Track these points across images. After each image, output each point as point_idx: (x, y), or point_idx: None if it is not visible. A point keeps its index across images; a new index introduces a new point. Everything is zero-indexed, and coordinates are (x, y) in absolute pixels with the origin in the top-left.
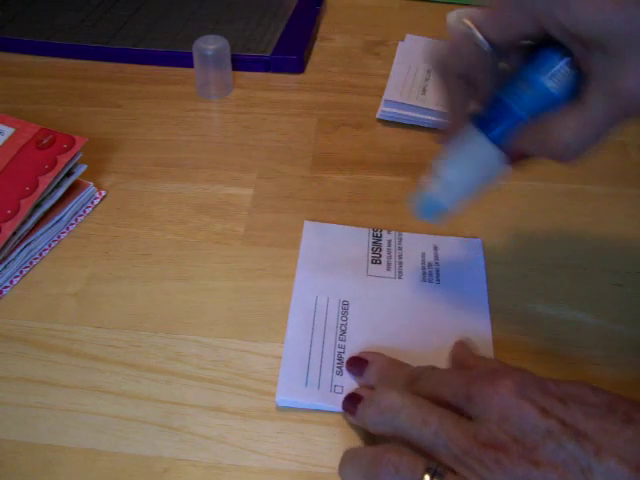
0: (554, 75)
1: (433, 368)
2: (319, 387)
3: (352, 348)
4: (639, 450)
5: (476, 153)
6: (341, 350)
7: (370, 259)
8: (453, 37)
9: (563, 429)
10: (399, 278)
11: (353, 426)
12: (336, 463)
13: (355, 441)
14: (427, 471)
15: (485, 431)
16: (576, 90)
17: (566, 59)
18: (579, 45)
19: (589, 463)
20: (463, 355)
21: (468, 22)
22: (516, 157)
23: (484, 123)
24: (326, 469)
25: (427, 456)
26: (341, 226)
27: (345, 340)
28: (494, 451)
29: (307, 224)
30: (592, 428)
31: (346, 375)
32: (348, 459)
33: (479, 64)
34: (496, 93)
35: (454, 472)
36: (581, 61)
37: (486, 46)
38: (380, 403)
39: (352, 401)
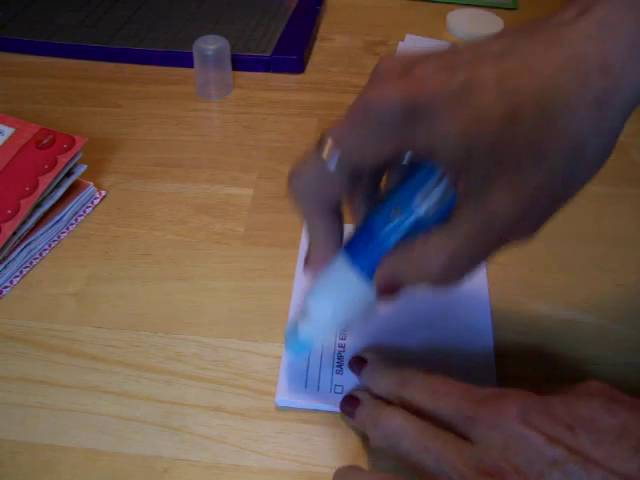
0: (423, 197)
1: (427, 374)
2: (319, 388)
3: (353, 347)
4: None
5: (344, 285)
6: (341, 349)
7: None
8: (308, 163)
9: (570, 457)
10: None
11: (353, 426)
12: (336, 463)
13: (355, 441)
14: None
15: (488, 459)
16: (443, 215)
17: (434, 179)
18: (446, 164)
19: None
20: None
21: (327, 151)
22: (385, 288)
23: (351, 252)
24: (326, 469)
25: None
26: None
27: (345, 339)
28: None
29: None
30: (601, 455)
31: (346, 374)
32: None
33: (343, 190)
34: (366, 217)
35: None
36: (451, 181)
37: (345, 178)
38: (385, 429)
39: (350, 403)
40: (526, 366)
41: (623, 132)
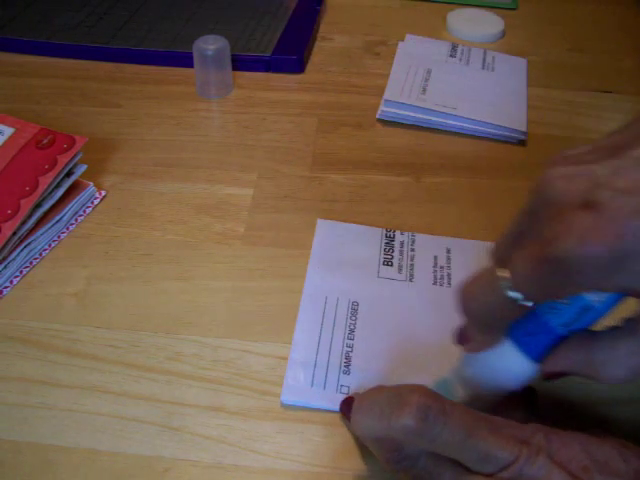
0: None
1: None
2: (325, 387)
3: (361, 347)
4: None
5: (510, 368)
6: (349, 349)
7: (382, 260)
8: (482, 289)
9: None
10: (410, 281)
11: None
12: (336, 463)
13: (355, 441)
14: None
15: None
16: (615, 301)
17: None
18: None
19: None
20: None
21: (506, 285)
22: (556, 376)
23: (521, 338)
24: (326, 469)
25: None
26: (354, 225)
27: (354, 339)
28: None
29: (320, 222)
30: None
31: (353, 375)
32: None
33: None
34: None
35: None
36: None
37: (532, 305)
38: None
39: (350, 407)
40: None
41: None
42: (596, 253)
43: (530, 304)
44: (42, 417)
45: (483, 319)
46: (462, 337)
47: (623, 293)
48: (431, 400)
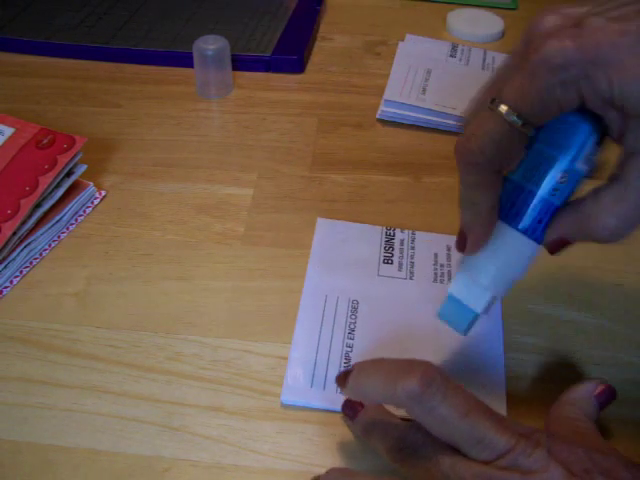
0: (586, 156)
1: (426, 435)
2: (324, 388)
3: (361, 347)
4: None
5: (510, 249)
6: (349, 349)
7: (382, 259)
8: (481, 123)
9: None
10: (410, 279)
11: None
12: (336, 463)
13: (355, 441)
14: None
15: (502, 479)
16: (596, 163)
17: (595, 135)
18: (617, 116)
19: None
20: None
21: (504, 107)
22: (557, 246)
23: (511, 217)
24: (326, 469)
25: None
26: (354, 224)
27: (354, 339)
28: None
29: (320, 221)
30: None
31: None
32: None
33: (516, 151)
34: (521, 182)
35: None
36: (613, 130)
37: (531, 131)
38: (393, 442)
39: (352, 408)
40: (526, 366)
41: None
42: (574, 54)
43: (529, 132)
44: (42, 417)
45: (478, 155)
46: (461, 235)
47: (607, 113)
48: (437, 373)
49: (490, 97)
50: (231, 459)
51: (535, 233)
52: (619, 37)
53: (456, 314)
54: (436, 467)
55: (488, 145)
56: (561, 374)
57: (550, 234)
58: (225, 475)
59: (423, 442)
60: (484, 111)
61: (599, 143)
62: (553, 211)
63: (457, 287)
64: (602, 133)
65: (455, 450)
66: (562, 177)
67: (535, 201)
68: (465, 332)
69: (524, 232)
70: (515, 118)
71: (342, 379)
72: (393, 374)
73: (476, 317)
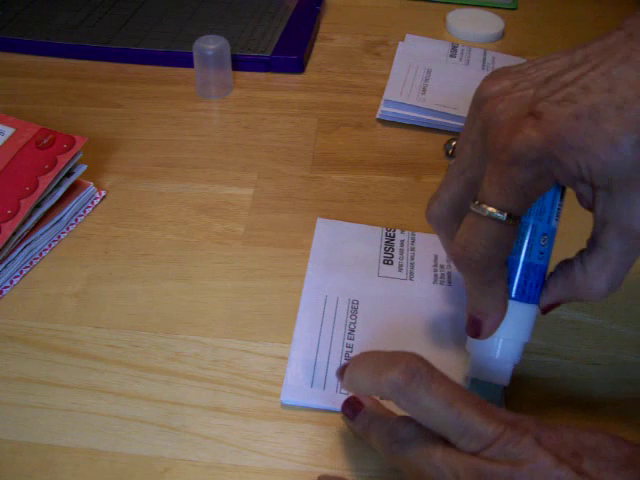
0: (557, 212)
1: (417, 428)
2: (325, 388)
3: (360, 347)
4: None
5: (518, 321)
6: (349, 349)
7: (382, 259)
8: (473, 229)
9: (577, 477)
10: (410, 280)
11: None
12: (336, 463)
13: (355, 441)
14: None
15: (491, 471)
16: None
17: (559, 191)
18: (586, 188)
19: None
20: None
21: (492, 209)
22: (551, 308)
23: (519, 291)
24: (326, 469)
25: None
26: (354, 224)
27: (353, 339)
28: None
29: (320, 221)
30: (606, 479)
31: None
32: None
33: (511, 240)
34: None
35: None
36: (584, 200)
37: (519, 221)
38: (389, 438)
39: (352, 407)
40: (526, 366)
41: None
42: (543, 145)
43: (518, 222)
44: (42, 417)
45: (482, 261)
46: (473, 321)
47: (578, 185)
48: (422, 364)
49: (463, 193)
50: (231, 459)
51: (534, 297)
52: (575, 122)
53: (485, 392)
54: (428, 461)
55: (489, 248)
56: (561, 374)
57: (545, 300)
58: (225, 475)
59: (415, 435)
60: (470, 216)
61: (563, 196)
62: (544, 272)
63: (475, 371)
64: (561, 187)
65: (446, 442)
66: (543, 240)
67: (526, 269)
68: (501, 403)
69: (525, 300)
70: (503, 216)
71: (341, 372)
72: (379, 366)
73: (504, 387)
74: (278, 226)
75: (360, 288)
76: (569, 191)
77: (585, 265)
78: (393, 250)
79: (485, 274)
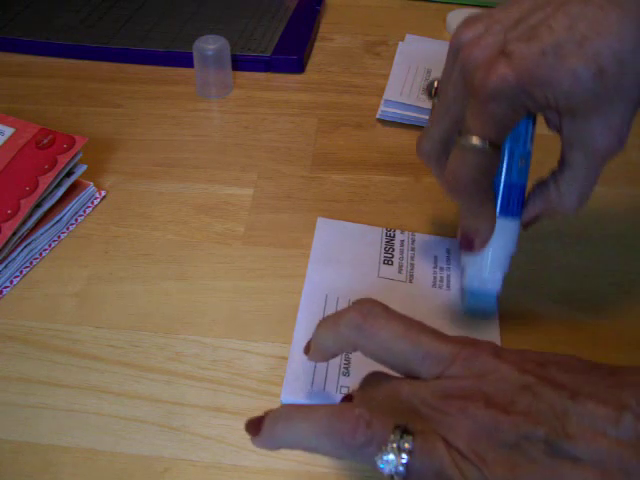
0: (531, 137)
1: (381, 375)
2: (325, 388)
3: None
4: (622, 394)
5: (505, 235)
6: None
7: (382, 259)
8: (460, 160)
9: (540, 382)
10: (410, 282)
11: None
12: (335, 463)
13: None
14: (397, 427)
15: (456, 388)
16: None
17: (531, 118)
18: (554, 114)
19: (565, 407)
20: None
21: (476, 139)
22: (531, 223)
23: (504, 208)
24: (326, 469)
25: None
26: (354, 224)
27: None
28: (462, 401)
29: (320, 221)
30: (571, 380)
31: (352, 376)
32: (298, 415)
33: (494, 167)
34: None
35: (423, 432)
36: (552, 124)
37: (498, 150)
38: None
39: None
40: None
41: None
42: (516, 81)
43: (497, 151)
44: (42, 417)
45: (471, 185)
46: (466, 238)
47: (545, 111)
48: (377, 303)
49: (449, 128)
50: (231, 459)
51: (516, 213)
52: (542, 58)
53: (481, 302)
54: (397, 398)
55: (475, 174)
56: None
57: (526, 215)
58: (225, 475)
59: (380, 382)
60: (457, 148)
61: (534, 122)
62: (524, 190)
63: (471, 281)
64: (533, 114)
65: (411, 378)
66: (521, 162)
67: (508, 188)
68: (495, 312)
69: (510, 215)
70: (485, 144)
71: (307, 347)
72: (337, 315)
73: (498, 295)
74: (278, 226)
75: (360, 288)
76: (539, 118)
77: (557, 183)
78: (393, 250)
79: (474, 197)
